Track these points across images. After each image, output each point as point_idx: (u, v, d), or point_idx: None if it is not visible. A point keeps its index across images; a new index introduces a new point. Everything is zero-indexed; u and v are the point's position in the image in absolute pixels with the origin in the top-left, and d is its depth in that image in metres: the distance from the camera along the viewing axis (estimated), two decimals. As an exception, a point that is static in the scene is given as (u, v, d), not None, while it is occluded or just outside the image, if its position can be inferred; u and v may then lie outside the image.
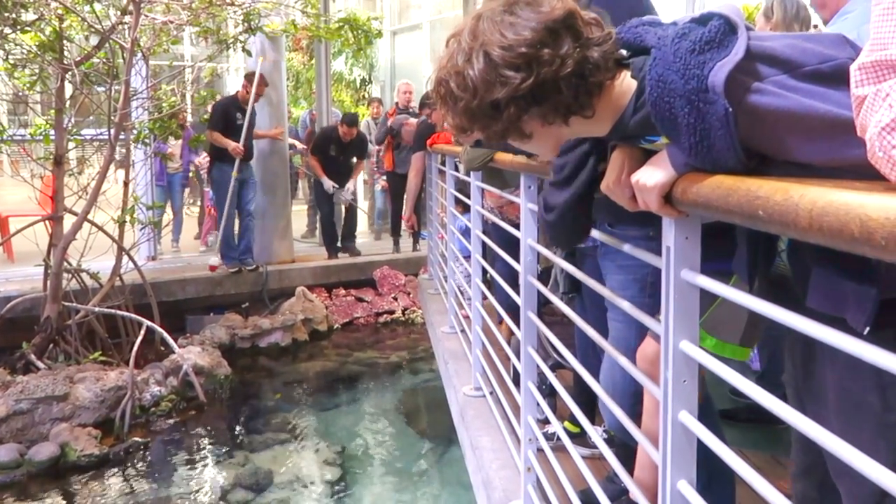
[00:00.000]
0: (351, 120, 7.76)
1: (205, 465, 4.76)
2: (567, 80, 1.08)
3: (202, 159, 8.51)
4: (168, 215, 8.03)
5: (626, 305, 1.47)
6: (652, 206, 1.10)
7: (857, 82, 0.81)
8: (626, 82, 1.13)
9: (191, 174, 9.06)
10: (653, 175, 1.09)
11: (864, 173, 0.79)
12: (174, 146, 8.19)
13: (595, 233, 1.77)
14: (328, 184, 7.52)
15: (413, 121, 7.41)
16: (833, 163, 0.90)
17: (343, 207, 8.11)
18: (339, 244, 8.13)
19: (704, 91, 0.95)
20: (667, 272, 1.16)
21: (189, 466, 4.72)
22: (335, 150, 7.71)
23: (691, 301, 1.15)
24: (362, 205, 9.69)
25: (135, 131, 6.32)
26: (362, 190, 10.18)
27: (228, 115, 6.94)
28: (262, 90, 6.92)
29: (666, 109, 0.99)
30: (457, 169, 4.09)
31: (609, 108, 1.14)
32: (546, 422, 2.58)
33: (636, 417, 1.72)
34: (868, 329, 0.96)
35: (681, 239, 1.14)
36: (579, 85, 1.09)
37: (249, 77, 6.96)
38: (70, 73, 5.58)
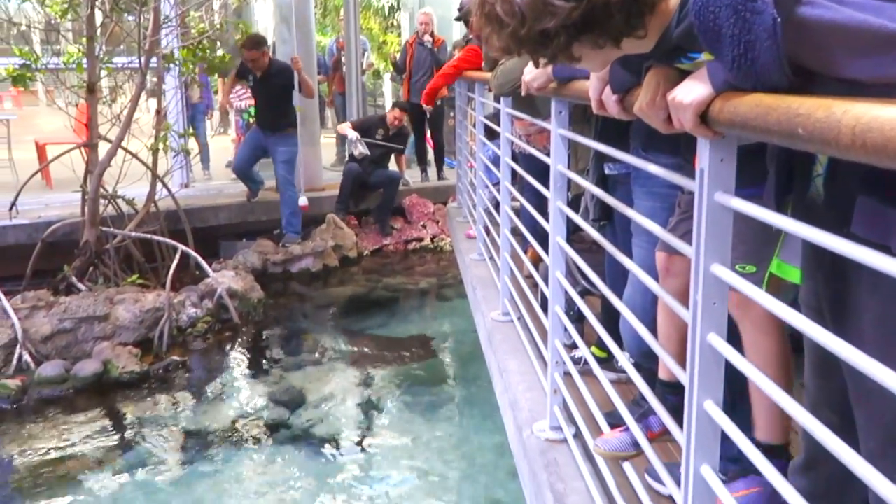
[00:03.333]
0: (402, 105, 7.84)
1: (240, 384, 4.92)
2: (618, 4, 1.04)
3: (236, 94, 8.47)
4: (194, 146, 8.08)
5: (657, 230, 1.46)
6: (687, 125, 1.08)
7: None
8: None
9: (220, 109, 9.05)
10: (690, 92, 1.05)
11: None
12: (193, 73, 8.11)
13: (627, 157, 1.75)
14: (352, 135, 7.44)
15: None
16: (883, 80, 0.87)
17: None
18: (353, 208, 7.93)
19: (752, 0, 0.91)
20: (700, 195, 1.14)
21: (225, 384, 4.88)
22: (381, 135, 7.65)
23: (724, 224, 1.14)
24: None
25: (177, 63, 6.30)
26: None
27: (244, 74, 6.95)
28: (253, 55, 6.67)
29: (710, 20, 0.95)
30: (497, 100, 4.01)
31: (658, 24, 1.10)
32: (573, 347, 2.61)
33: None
34: None
35: (716, 161, 1.11)
36: (631, 7, 1.05)
37: (246, 44, 6.75)
38: (100, 0, 5.53)
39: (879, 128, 0.68)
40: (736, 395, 1.77)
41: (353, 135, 7.41)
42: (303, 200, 6.99)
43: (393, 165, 8.06)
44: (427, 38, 8.05)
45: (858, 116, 0.72)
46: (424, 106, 6.43)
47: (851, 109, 0.73)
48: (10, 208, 6.12)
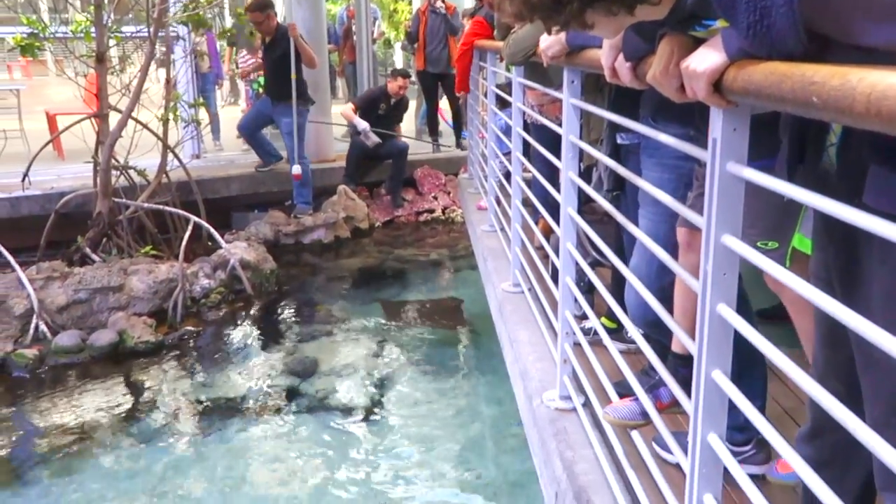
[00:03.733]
0: (403, 72, 7.82)
1: (254, 353, 4.97)
2: None
3: (243, 60, 8.43)
4: (204, 116, 8.08)
5: (668, 200, 1.45)
6: (700, 94, 1.07)
7: None
8: None
9: (228, 75, 9.00)
10: (704, 60, 1.04)
11: None
12: (200, 43, 8.06)
13: (639, 127, 1.74)
14: (362, 125, 7.39)
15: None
16: None
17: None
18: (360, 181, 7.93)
19: None
20: (712, 165, 1.13)
21: (240, 354, 4.94)
22: (384, 109, 7.61)
23: (736, 194, 1.13)
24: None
25: (172, 28, 6.27)
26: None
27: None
28: (256, 17, 6.65)
29: None
30: (508, 69, 3.98)
31: None
32: (583, 318, 2.61)
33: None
34: None
35: (728, 130, 1.10)
36: None
37: (250, 6, 6.65)
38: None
39: (895, 96, 0.68)
40: (743, 364, 1.78)
41: (363, 125, 7.36)
42: (296, 169, 6.88)
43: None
44: (439, 4, 7.98)
45: (874, 84, 0.71)
46: (459, 93, 6.40)
47: (867, 77, 0.72)
48: (23, 179, 6.16)
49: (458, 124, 8.46)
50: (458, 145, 8.47)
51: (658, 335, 2.05)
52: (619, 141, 2.43)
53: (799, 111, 0.87)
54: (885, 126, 0.70)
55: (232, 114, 9.71)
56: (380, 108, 7.56)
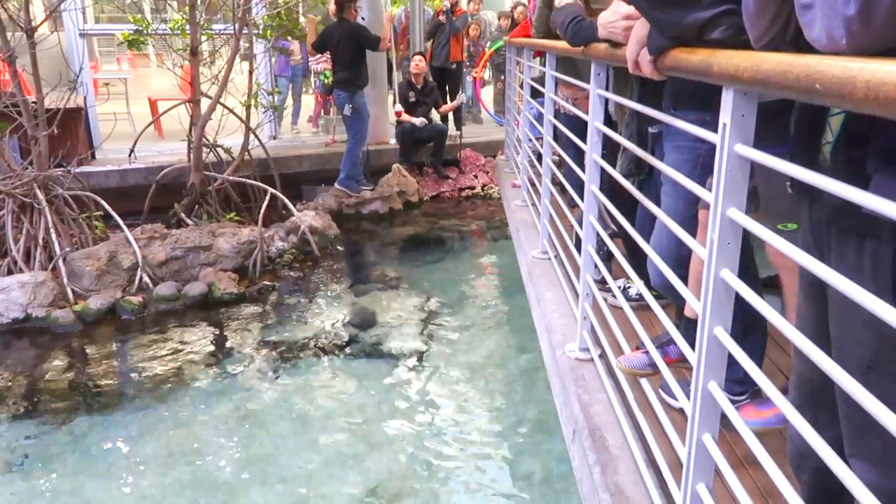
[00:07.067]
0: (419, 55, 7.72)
1: (320, 305, 5.05)
2: None
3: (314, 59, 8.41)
4: (290, 101, 8.14)
5: (681, 179, 1.42)
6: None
7: None
8: None
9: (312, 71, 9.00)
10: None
11: None
12: (294, 42, 8.11)
13: (659, 115, 1.70)
14: (420, 122, 7.46)
15: None
16: None
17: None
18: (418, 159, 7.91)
19: None
20: (721, 146, 1.10)
21: (308, 305, 5.03)
22: (414, 96, 7.56)
23: (742, 173, 1.10)
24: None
25: (258, 30, 6.30)
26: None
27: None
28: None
29: None
30: (542, 62, 3.90)
31: None
32: (602, 282, 2.59)
33: (681, 278, 1.71)
34: None
35: (737, 116, 1.07)
36: None
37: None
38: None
39: (893, 82, 0.65)
40: (747, 326, 1.74)
41: (420, 122, 7.46)
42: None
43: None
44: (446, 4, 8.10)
45: (873, 72, 0.68)
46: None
47: (866, 66, 0.70)
48: (129, 154, 6.31)
49: (457, 116, 8.36)
50: (457, 129, 8.34)
51: (675, 299, 2.03)
52: (650, 130, 2.37)
53: (803, 98, 0.84)
54: (882, 110, 0.67)
55: (304, 101, 9.75)
56: (410, 97, 7.54)
